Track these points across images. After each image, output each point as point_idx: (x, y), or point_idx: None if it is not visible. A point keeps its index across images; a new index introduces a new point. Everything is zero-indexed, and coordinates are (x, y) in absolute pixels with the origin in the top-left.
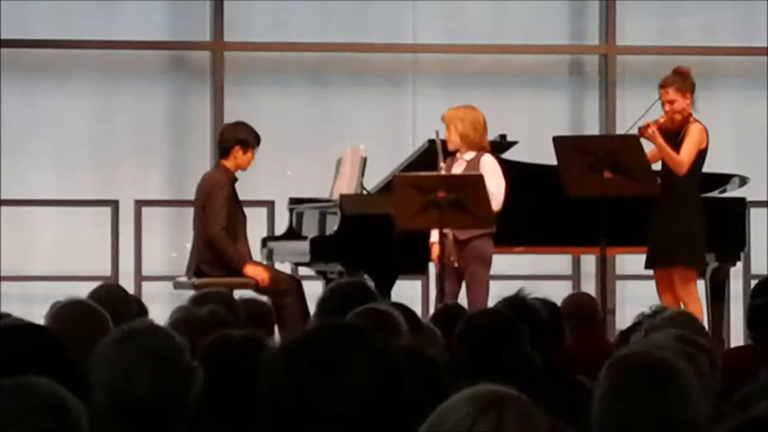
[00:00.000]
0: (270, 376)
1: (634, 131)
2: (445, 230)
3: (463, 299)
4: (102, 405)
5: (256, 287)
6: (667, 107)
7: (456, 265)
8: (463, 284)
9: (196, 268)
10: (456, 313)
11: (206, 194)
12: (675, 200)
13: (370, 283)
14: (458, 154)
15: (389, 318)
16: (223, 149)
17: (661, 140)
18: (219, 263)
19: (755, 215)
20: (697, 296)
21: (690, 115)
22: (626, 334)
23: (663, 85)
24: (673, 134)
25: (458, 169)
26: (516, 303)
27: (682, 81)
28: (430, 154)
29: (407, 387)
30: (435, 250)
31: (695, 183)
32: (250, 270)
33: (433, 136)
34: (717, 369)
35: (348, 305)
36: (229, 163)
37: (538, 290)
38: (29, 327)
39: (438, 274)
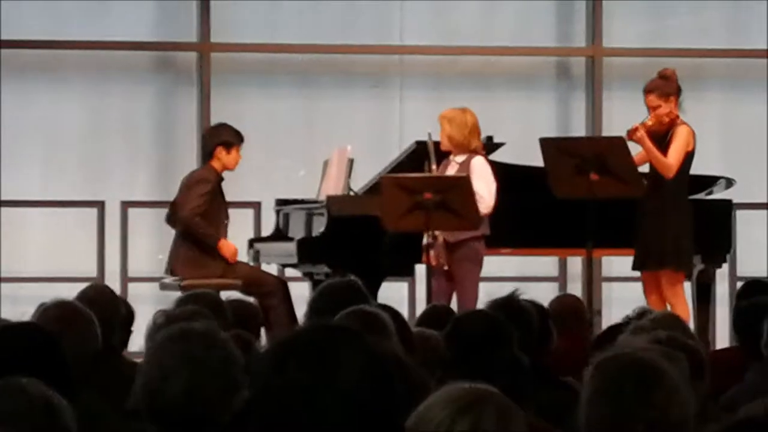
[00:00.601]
0: (261, 376)
1: (623, 134)
2: (436, 232)
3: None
4: (139, 403)
5: (243, 288)
6: (652, 112)
7: (446, 267)
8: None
9: (168, 267)
10: (443, 314)
11: (187, 188)
12: (663, 202)
13: (361, 284)
14: (451, 156)
15: (378, 320)
16: (206, 152)
17: (649, 144)
18: (192, 262)
19: (741, 217)
20: (683, 298)
21: (677, 117)
22: (609, 334)
23: (646, 91)
24: (661, 136)
25: (450, 171)
26: (505, 304)
27: (665, 85)
28: (418, 155)
29: (398, 387)
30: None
31: (683, 185)
32: (224, 246)
33: (421, 138)
34: (706, 370)
35: (339, 306)
36: (215, 164)
37: (525, 292)
38: (26, 326)
39: (428, 276)
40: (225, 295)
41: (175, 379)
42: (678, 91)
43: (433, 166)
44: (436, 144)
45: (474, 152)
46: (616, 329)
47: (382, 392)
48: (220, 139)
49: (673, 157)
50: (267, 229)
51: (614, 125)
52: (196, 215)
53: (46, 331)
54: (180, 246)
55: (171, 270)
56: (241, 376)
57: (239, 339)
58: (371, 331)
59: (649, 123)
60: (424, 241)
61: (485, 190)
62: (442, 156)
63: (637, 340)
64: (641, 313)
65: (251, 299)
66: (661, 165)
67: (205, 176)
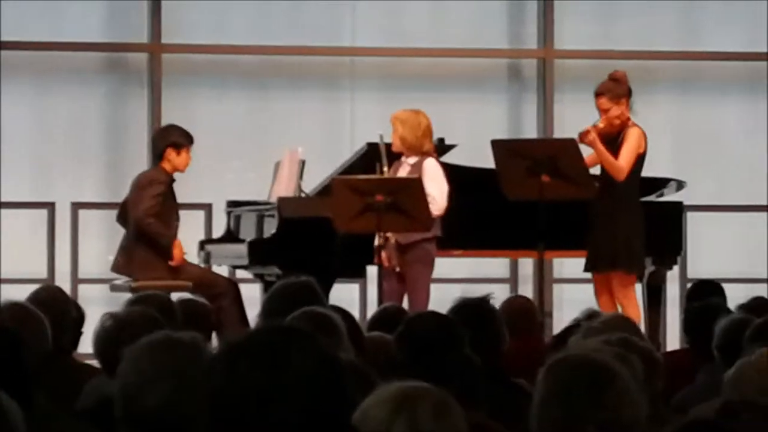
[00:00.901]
0: (212, 379)
1: (575, 136)
2: (387, 234)
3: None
4: (117, 409)
5: (194, 289)
6: (603, 115)
7: (398, 269)
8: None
9: (114, 265)
10: (395, 316)
11: (140, 188)
12: (614, 204)
13: (316, 284)
14: (403, 158)
15: (328, 321)
16: (155, 154)
17: (600, 146)
18: (144, 263)
19: (692, 219)
20: (635, 300)
21: (628, 119)
22: (561, 337)
23: (597, 94)
24: (612, 138)
25: (402, 172)
26: (461, 306)
27: (615, 88)
28: (369, 157)
29: (349, 388)
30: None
31: (634, 187)
32: (176, 247)
33: (373, 139)
34: (659, 371)
35: (293, 306)
36: (165, 166)
37: (477, 294)
38: None
39: (379, 277)
40: (176, 296)
41: (155, 389)
42: (629, 93)
43: (385, 168)
44: (388, 145)
45: (426, 154)
46: (571, 331)
47: (333, 393)
48: (169, 140)
49: (624, 160)
50: (218, 231)
51: (566, 127)
52: (150, 216)
53: (9, 330)
54: (133, 247)
55: (118, 269)
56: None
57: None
58: (322, 333)
59: (601, 125)
60: (376, 242)
61: (437, 191)
62: (394, 157)
63: (588, 342)
64: (590, 315)
65: (202, 300)
66: (612, 167)
67: (156, 177)
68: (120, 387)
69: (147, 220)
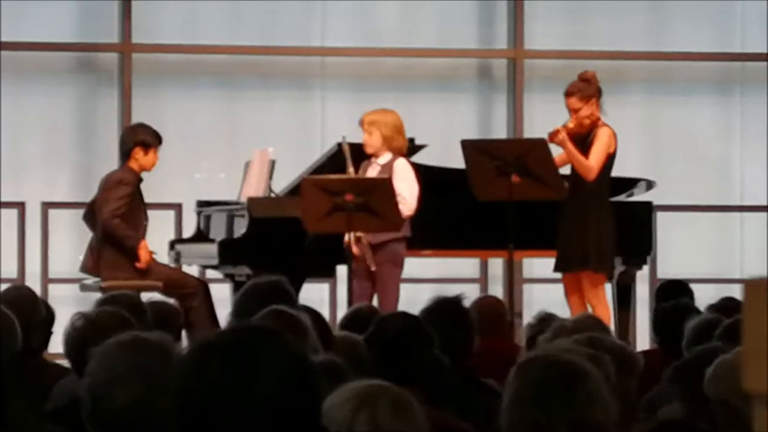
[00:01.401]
0: (182, 378)
1: (545, 136)
2: (359, 234)
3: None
4: (85, 409)
5: (164, 289)
6: (573, 115)
7: (373, 268)
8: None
9: (83, 266)
10: (367, 316)
11: (107, 189)
12: (584, 204)
13: (288, 284)
14: (373, 158)
15: (295, 320)
16: (123, 152)
17: (570, 146)
18: (113, 264)
19: (661, 219)
20: (605, 300)
21: (598, 119)
22: (534, 338)
23: (567, 94)
24: (582, 138)
25: (372, 172)
26: (429, 307)
27: (585, 88)
28: (339, 157)
29: (319, 387)
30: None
31: (604, 187)
32: (143, 249)
33: (341, 140)
34: (635, 370)
35: (264, 306)
36: (133, 165)
37: (446, 294)
38: None
39: (349, 277)
40: (146, 296)
41: (124, 389)
42: (599, 94)
43: (350, 170)
44: (353, 146)
45: (400, 153)
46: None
47: (302, 392)
48: (137, 138)
49: (594, 159)
50: (188, 231)
51: (535, 127)
52: (116, 217)
53: None
54: (101, 248)
55: (87, 269)
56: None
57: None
58: (289, 332)
59: (571, 125)
60: (346, 238)
61: (407, 192)
62: (360, 158)
63: (560, 343)
64: (542, 319)
65: (172, 300)
66: (582, 167)
67: (124, 178)
68: (88, 387)
69: (113, 222)
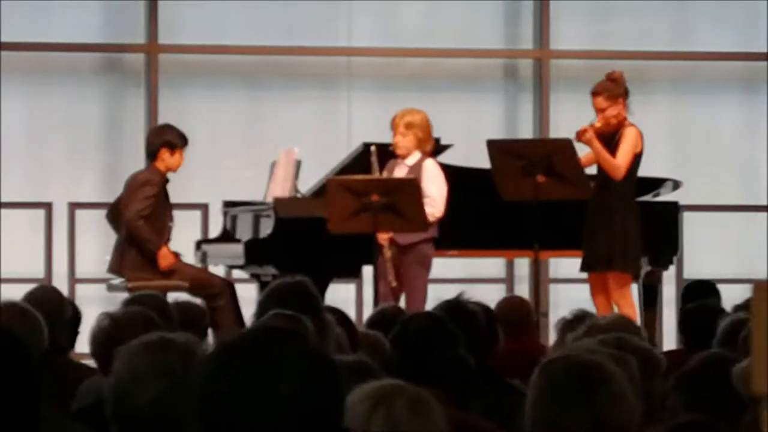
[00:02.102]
0: (204, 379)
1: (570, 136)
2: (383, 243)
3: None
4: (108, 409)
5: (190, 290)
6: (600, 114)
7: (394, 284)
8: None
9: (110, 266)
10: (391, 316)
11: (133, 189)
12: (610, 204)
13: (311, 284)
14: (399, 159)
15: (298, 323)
16: (150, 153)
17: (598, 145)
18: (139, 264)
19: (687, 219)
20: (631, 300)
21: (625, 119)
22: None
23: (594, 93)
24: (608, 138)
25: (400, 173)
26: (453, 306)
27: (613, 88)
28: (365, 157)
29: (341, 387)
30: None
31: (630, 186)
32: (162, 254)
33: (369, 139)
34: (658, 371)
35: (288, 306)
36: (159, 166)
37: (472, 293)
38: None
39: (375, 278)
40: (172, 296)
41: (148, 388)
42: (626, 94)
43: (377, 173)
44: (378, 147)
45: (427, 154)
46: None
47: (324, 394)
48: (164, 139)
49: (621, 159)
50: (214, 231)
51: (561, 127)
52: (140, 218)
53: (15, 336)
54: (125, 248)
55: (112, 269)
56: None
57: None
58: None
59: (598, 125)
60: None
61: (438, 194)
62: (384, 159)
63: (584, 343)
64: (577, 317)
65: (198, 301)
66: (610, 166)
67: (150, 178)
68: (112, 386)
69: (137, 223)
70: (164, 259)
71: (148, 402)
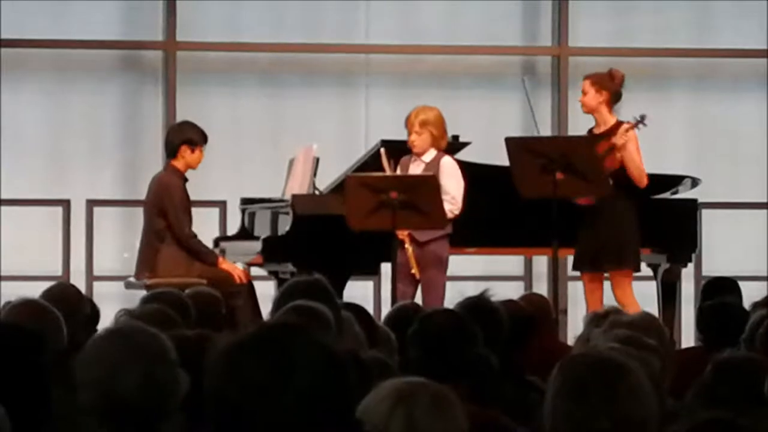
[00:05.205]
0: (216, 376)
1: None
2: (404, 239)
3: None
4: (89, 403)
5: (208, 287)
6: (580, 98)
7: (418, 277)
8: (419, 286)
9: (137, 269)
10: (411, 313)
11: (161, 197)
12: (602, 203)
13: (327, 282)
14: (415, 155)
15: (318, 315)
16: (170, 150)
17: (634, 151)
18: (172, 262)
19: (706, 216)
20: (633, 297)
21: (620, 122)
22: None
23: (585, 76)
24: (601, 134)
25: (416, 170)
26: (473, 304)
27: (605, 80)
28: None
29: (353, 384)
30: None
31: (626, 185)
32: (225, 264)
33: (387, 137)
34: (667, 369)
35: None
36: (178, 164)
37: (494, 291)
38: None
39: (393, 275)
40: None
41: (127, 373)
42: (617, 96)
43: (389, 171)
44: (393, 144)
45: (441, 151)
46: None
47: (337, 388)
48: (184, 137)
49: (641, 164)
50: (232, 228)
51: (580, 124)
52: (191, 237)
53: (28, 330)
54: (155, 248)
55: (140, 272)
56: (175, 363)
57: (201, 338)
58: (311, 327)
59: (620, 142)
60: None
61: (457, 191)
62: (398, 155)
63: (602, 340)
64: (609, 312)
65: (215, 292)
66: (639, 173)
67: (175, 183)
68: (91, 380)
69: (190, 242)
70: (226, 265)
71: (131, 386)
